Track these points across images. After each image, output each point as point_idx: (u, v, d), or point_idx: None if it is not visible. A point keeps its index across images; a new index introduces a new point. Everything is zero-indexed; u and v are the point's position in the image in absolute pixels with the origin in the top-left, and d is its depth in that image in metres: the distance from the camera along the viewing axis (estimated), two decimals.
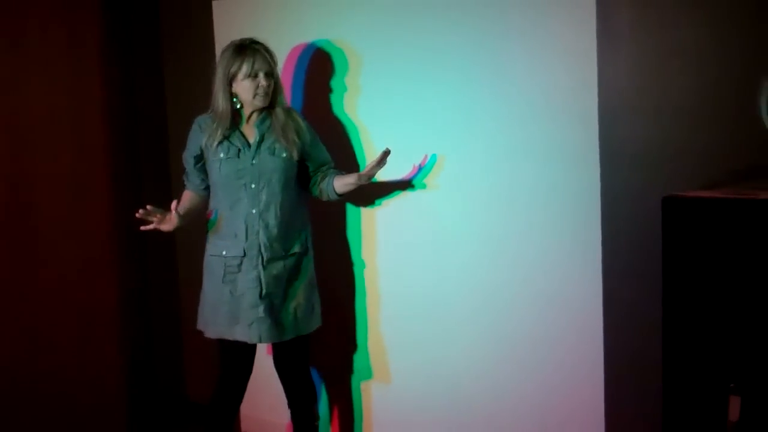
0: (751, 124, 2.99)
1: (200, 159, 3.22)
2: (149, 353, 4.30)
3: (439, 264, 3.33)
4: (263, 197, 3.14)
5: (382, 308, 3.52)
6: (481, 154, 3.17)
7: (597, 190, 2.91)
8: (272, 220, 3.14)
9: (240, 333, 3.16)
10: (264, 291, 3.14)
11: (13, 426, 3.68)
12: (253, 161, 3.14)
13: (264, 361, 3.47)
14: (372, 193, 3.45)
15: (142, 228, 3.06)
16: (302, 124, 3.21)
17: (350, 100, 3.48)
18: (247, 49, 3.09)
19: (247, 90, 3.10)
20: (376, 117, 3.32)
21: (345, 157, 3.41)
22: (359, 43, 3.42)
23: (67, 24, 3.84)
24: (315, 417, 3.44)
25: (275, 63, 3.14)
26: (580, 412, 3.05)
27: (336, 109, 3.50)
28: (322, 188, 3.25)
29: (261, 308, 3.13)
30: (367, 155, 3.42)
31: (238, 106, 3.15)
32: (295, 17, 3.60)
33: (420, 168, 3.28)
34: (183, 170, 3.35)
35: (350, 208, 3.54)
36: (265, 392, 3.67)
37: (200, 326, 3.28)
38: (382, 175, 3.24)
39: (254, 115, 3.18)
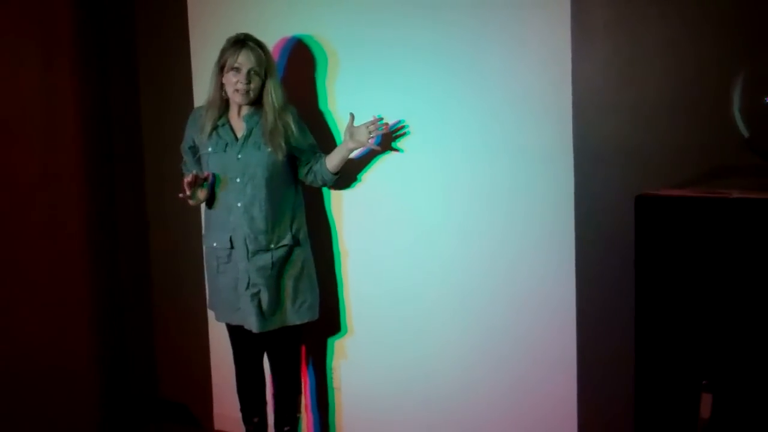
0: (725, 124, 2.99)
1: (196, 151, 3.32)
2: (122, 352, 4.28)
3: (414, 261, 3.34)
4: (248, 191, 3.18)
5: (356, 305, 3.52)
6: (456, 150, 3.18)
7: (571, 187, 2.94)
8: (258, 213, 3.18)
9: (239, 319, 3.28)
10: (250, 282, 3.19)
11: None
12: (239, 156, 3.18)
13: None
14: (347, 190, 3.46)
15: (181, 196, 3.14)
16: (293, 126, 3.20)
17: (327, 95, 3.47)
18: (240, 43, 3.13)
19: (229, 83, 3.14)
20: (353, 111, 3.29)
21: (322, 151, 3.38)
22: (335, 38, 3.43)
23: (39, 20, 3.79)
24: (297, 409, 3.46)
25: (269, 63, 3.14)
26: (553, 408, 3.07)
27: (311, 104, 3.50)
28: (316, 171, 3.27)
29: (247, 298, 3.19)
30: None
31: (227, 97, 3.20)
32: (271, 14, 3.59)
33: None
34: (180, 159, 3.43)
35: (325, 205, 3.53)
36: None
37: (209, 308, 3.47)
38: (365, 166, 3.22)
39: (244, 108, 3.20)
